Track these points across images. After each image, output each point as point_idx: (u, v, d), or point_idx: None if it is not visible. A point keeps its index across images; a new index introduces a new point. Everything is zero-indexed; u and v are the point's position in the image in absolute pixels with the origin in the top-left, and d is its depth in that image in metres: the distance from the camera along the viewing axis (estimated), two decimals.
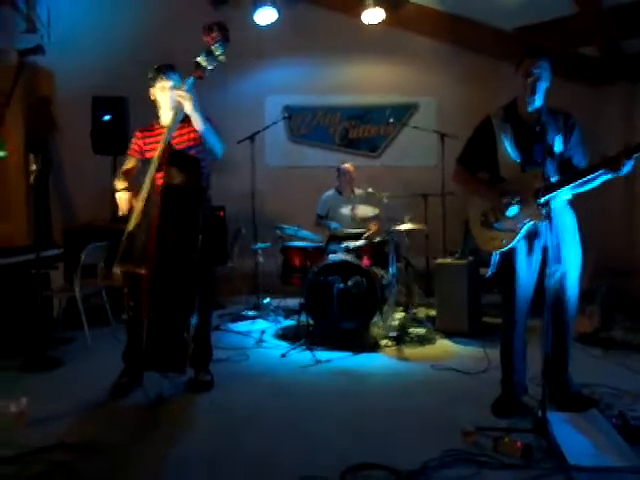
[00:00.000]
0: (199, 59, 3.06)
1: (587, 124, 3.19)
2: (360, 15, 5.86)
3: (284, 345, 4.29)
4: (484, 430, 2.63)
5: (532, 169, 2.80)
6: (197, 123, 3.11)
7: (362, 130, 6.76)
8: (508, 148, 2.90)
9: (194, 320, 2.97)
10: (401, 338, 4.33)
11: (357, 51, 6.47)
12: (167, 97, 3.19)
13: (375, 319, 4.45)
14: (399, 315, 4.90)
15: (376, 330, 4.54)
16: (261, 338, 4.54)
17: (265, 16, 5.74)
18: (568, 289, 2.88)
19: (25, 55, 5.39)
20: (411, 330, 4.56)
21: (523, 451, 2.43)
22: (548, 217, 2.60)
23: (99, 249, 4.30)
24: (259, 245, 5.33)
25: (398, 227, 4.72)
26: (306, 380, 3.58)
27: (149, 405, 3.08)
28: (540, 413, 2.54)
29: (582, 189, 2.78)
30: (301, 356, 4.01)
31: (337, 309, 4.23)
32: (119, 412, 3.06)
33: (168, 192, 2.99)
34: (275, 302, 5.36)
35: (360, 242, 4.74)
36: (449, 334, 4.45)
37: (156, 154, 3.09)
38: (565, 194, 2.85)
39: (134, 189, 3.22)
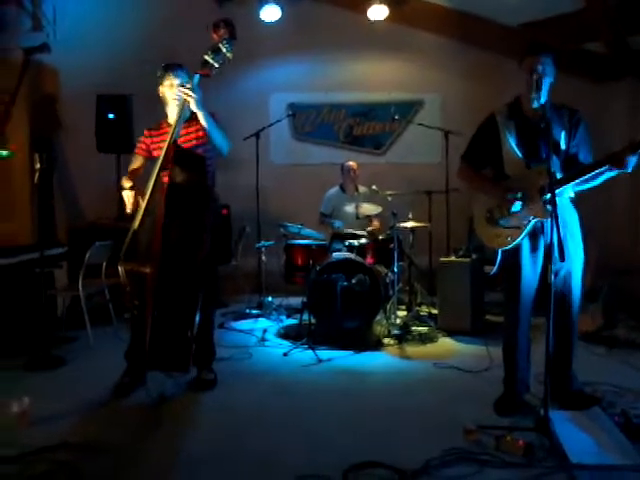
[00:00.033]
0: (206, 57, 3.06)
1: (592, 120, 3.16)
2: (365, 12, 5.85)
3: (286, 344, 4.29)
4: (486, 428, 2.62)
5: (537, 166, 2.78)
6: (203, 120, 3.11)
7: (367, 127, 6.73)
8: (512, 145, 2.88)
9: (197, 319, 2.98)
10: (403, 336, 4.32)
11: (362, 48, 6.45)
12: (175, 95, 3.19)
13: (378, 317, 4.44)
14: (402, 313, 4.89)
15: (379, 328, 4.53)
16: (264, 337, 4.54)
17: (269, 13, 5.74)
18: (573, 287, 2.86)
19: (31, 53, 5.42)
20: (414, 328, 4.55)
21: (525, 450, 2.42)
22: (553, 214, 2.58)
23: (104, 248, 4.28)
24: (263, 243, 5.33)
25: (402, 224, 4.71)
26: (308, 379, 3.58)
27: (152, 404, 3.08)
28: (542, 411, 2.53)
29: (587, 186, 2.76)
30: (303, 355, 4.01)
31: (340, 307, 4.22)
32: (122, 411, 3.07)
33: (172, 190, 2.99)
34: (278, 301, 5.35)
35: (363, 240, 4.73)
36: (451, 332, 4.44)
37: (162, 152, 3.09)
38: (570, 191, 2.83)
39: (141, 188, 3.22)
